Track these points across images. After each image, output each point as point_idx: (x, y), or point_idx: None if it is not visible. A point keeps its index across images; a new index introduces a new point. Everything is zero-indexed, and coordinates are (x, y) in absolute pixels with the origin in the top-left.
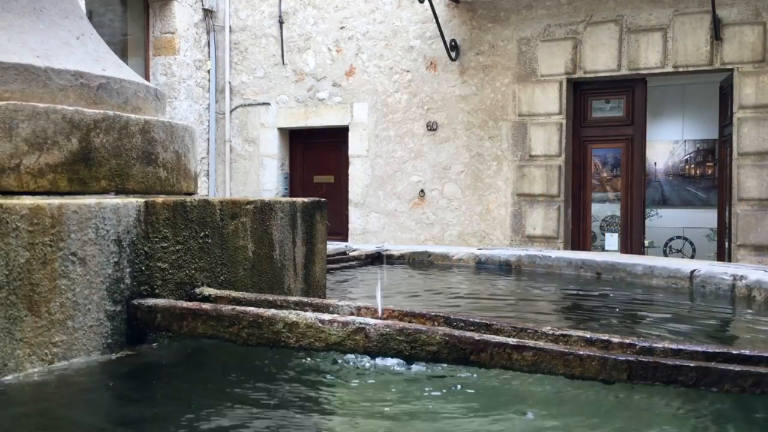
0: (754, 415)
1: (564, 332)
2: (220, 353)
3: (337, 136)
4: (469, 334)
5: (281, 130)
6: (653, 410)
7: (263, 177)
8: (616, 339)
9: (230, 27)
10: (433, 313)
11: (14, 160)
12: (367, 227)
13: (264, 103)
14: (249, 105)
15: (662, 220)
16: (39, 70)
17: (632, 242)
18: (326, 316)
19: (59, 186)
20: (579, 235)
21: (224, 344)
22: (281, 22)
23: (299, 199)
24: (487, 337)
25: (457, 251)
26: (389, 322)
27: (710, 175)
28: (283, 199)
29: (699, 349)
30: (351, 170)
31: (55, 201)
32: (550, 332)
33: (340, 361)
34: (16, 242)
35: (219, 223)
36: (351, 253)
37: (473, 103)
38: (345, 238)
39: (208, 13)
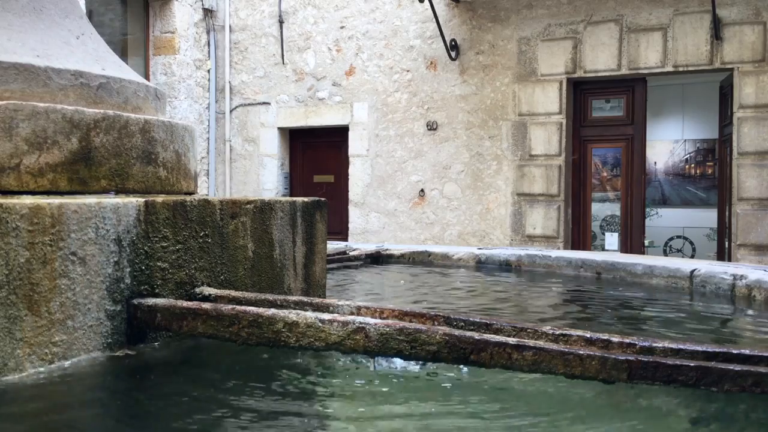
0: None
1: (564, 332)
2: (220, 353)
3: (337, 135)
4: (469, 333)
5: (281, 129)
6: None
7: (263, 176)
8: (616, 338)
9: (230, 26)
10: (433, 313)
11: (14, 160)
12: (367, 227)
13: (264, 103)
14: (249, 104)
15: (662, 220)
16: (39, 69)
17: (632, 242)
18: (326, 316)
19: (59, 185)
20: (579, 234)
21: (224, 344)
22: (281, 22)
23: (299, 199)
24: (487, 336)
25: (457, 251)
26: (389, 321)
27: (710, 174)
28: (283, 199)
29: (699, 348)
30: (351, 170)
31: (55, 200)
32: (550, 332)
33: (340, 360)
34: (16, 242)
35: (219, 223)
36: (351, 253)
37: (473, 102)
38: (345, 238)
39: (208, 12)
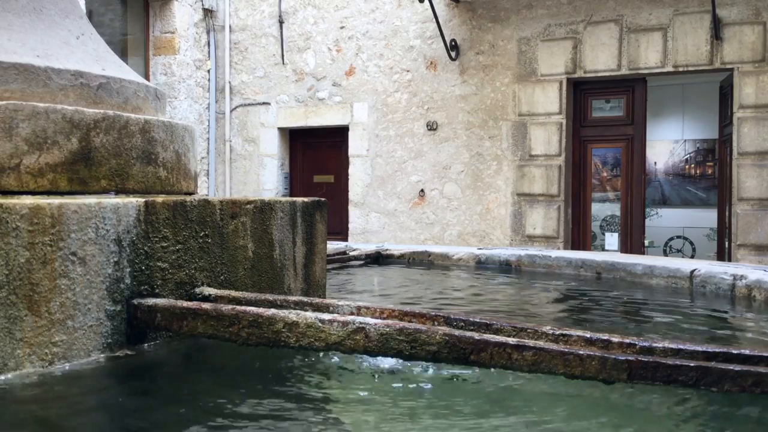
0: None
1: (564, 332)
2: (220, 353)
3: (337, 135)
4: (469, 333)
5: (281, 129)
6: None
7: (263, 177)
8: (616, 338)
9: (230, 27)
10: (433, 313)
11: (14, 160)
12: (367, 227)
13: (264, 103)
14: (249, 105)
15: (662, 220)
16: (39, 69)
17: (632, 242)
18: (326, 316)
19: (59, 186)
20: (579, 234)
21: (224, 344)
22: (281, 22)
23: (299, 199)
24: (487, 336)
25: (457, 251)
26: (389, 321)
27: (710, 174)
28: (283, 199)
29: (699, 348)
30: (351, 170)
31: (55, 201)
32: (550, 332)
33: (340, 360)
34: (16, 242)
35: (219, 223)
36: (351, 253)
37: (473, 102)
38: (345, 238)
39: (208, 12)
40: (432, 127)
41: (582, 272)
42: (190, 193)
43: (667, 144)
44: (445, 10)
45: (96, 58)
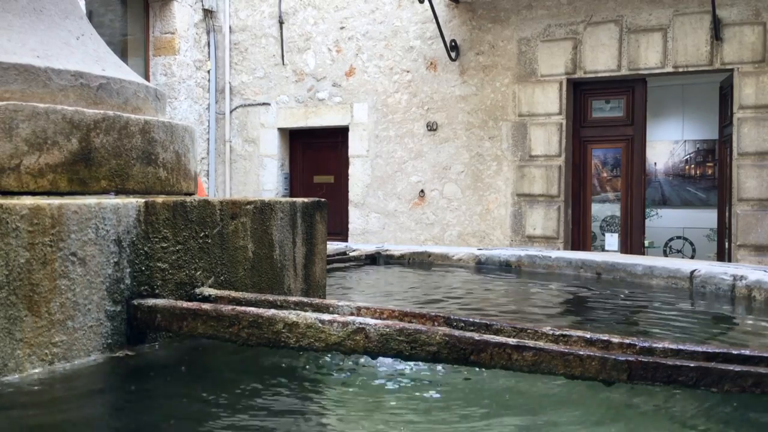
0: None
1: (564, 332)
2: (220, 353)
3: (337, 136)
4: (469, 334)
5: (281, 130)
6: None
7: (263, 177)
8: (616, 339)
9: (230, 27)
10: (433, 313)
11: (14, 160)
12: (367, 227)
13: (264, 103)
14: (249, 105)
15: (662, 220)
16: (39, 70)
17: (632, 242)
18: (326, 317)
19: (59, 186)
20: (579, 235)
21: (224, 344)
22: (281, 22)
23: (299, 199)
24: (487, 337)
25: (457, 251)
26: (389, 322)
27: (710, 175)
28: (283, 199)
29: (699, 349)
30: (351, 170)
31: (55, 201)
32: (550, 332)
33: (339, 361)
34: (16, 242)
35: (219, 223)
36: (351, 254)
37: (473, 103)
38: (345, 238)
39: (208, 13)
40: (432, 127)
41: (582, 273)
42: (190, 194)
43: (667, 144)
44: (445, 11)
45: (96, 58)
